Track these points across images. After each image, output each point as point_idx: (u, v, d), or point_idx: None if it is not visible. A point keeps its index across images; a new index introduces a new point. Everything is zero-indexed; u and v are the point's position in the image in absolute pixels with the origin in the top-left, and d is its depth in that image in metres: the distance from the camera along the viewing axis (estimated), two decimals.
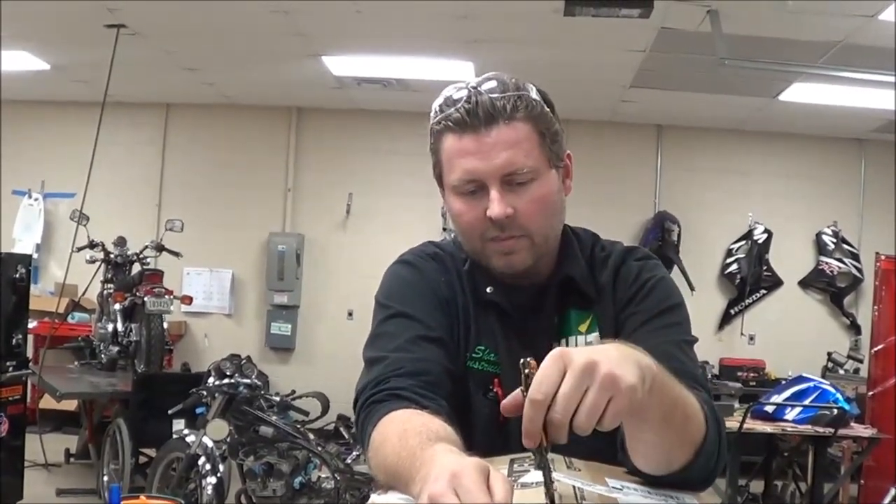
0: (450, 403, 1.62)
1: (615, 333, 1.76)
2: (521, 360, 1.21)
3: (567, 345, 1.77)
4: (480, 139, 1.66)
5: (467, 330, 1.79)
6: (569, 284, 1.81)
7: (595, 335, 1.79)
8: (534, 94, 1.71)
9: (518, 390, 1.20)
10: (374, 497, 1.16)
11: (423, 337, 1.71)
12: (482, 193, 1.69)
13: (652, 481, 1.46)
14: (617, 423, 1.20)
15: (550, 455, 1.42)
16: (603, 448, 1.57)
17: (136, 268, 7.90)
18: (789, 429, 5.91)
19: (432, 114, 1.73)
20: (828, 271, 9.68)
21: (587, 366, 1.18)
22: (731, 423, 5.69)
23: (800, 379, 6.22)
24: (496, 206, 1.66)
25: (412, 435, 1.36)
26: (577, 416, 1.17)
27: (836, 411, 5.78)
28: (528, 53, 7.22)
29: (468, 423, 1.68)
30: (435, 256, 1.87)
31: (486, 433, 1.58)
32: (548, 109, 1.73)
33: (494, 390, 1.75)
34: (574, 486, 1.15)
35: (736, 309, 9.80)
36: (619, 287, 1.81)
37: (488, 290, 1.79)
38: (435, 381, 1.63)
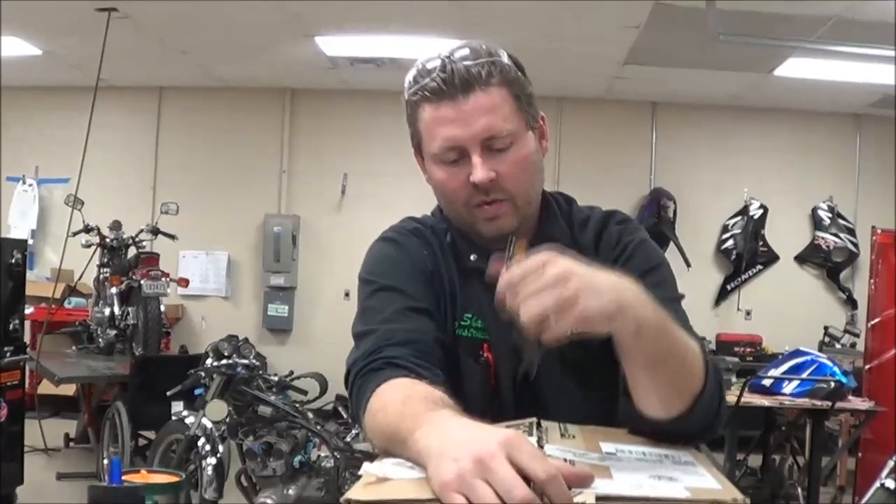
0: (442, 372, 1.63)
1: None
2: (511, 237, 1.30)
3: None
4: (458, 107, 1.68)
5: (454, 300, 1.80)
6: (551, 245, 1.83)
7: None
8: (505, 59, 1.73)
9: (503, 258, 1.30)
10: (366, 465, 1.15)
11: (411, 308, 1.71)
12: (463, 161, 1.71)
13: (651, 434, 1.48)
14: (555, 338, 1.30)
15: (545, 423, 1.43)
16: (597, 414, 1.63)
17: (132, 251, 7.91)
18: (787, 402, 5.93)
19: (406, 85, 1.75)
20: (824, 246, 9.69)
21: (560, 276, 1.29)
22: (729, 398, 5.69)
23: (797, 353, 6.22)
24: (479, 171, 1.68)
25: (417, 401, 1.36)
26: (525, 307, 1.28)
27: (833, 384, 5.78)
28: (523, 31, 7.20)
29: (460, 390, 1.69)
30: (415, 232, 1.88)
31: (479, 399, 1.59)
32: (520, 73, 1.75)
33: (485, 356, 1.77)
34: (565, 460, 1.16)
35: (732, 284, 9.81)
36: (602, 250, 1.83)
37: (472, 257, 1.81)
38: (427, 350, 1.64)
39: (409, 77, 1.75)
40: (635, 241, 1.84)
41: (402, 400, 1.40)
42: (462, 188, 1.72)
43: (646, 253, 1.83)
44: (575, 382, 1.79)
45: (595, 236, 1.85)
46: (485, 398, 1.68)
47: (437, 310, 1.77)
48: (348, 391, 1.67)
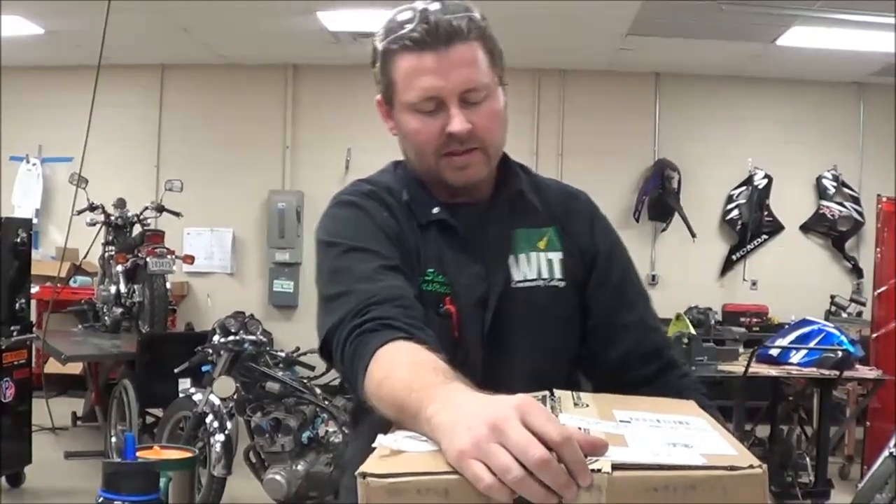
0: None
1: (585, 266, 1.87)
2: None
3: (528, 260, 1.84)
4: (440, 58, 1.71)
5: (417, 257, 1.79)
6: (516, 200, 1.87)
7: (558, 255, 1.86)
8: (478, 15, 1.76)
9: None
10: (380, 437, 1.14)
11: (384, 266, 1.69)
12: (439, 111, 1.74)
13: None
14: None
15: (558, 392, 1.42)
16: (564, 366, 1.83)
17: (137, 229, 7.90)
18: (794, 372, 5.92)
19: (380, 35, 1.79)
20: (829, 215, 9.68)
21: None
22: (737, 368, 5.72)
23: (804, 322, 6.22)
24: (457, 121, 1.72)
25: (425, 371, 1.32)
26: None
27: (840, 353, 5.78)
28: (526, 3, 7.15)
29: None
30: (371, 194, 1.88)
31: (442, 350, 1.52)
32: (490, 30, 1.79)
33: (445, 307, 1.77)
34: (580, 429, 1.15)
35: (738, 255, 9.79)
36: (575, 223, 1.90)
37: (434, 210, 1.83)
38: (413, 307, 1.61)
39: (381, 30, 1.79)
40: (613, 233, 1.95)
41: (408, 367, 1.36)
42: (435, 138, 1.75)
43: (624, 250, 1.94)
44: (545, 335, 1.82)
45: (564, 208, 1.91)
46: (448, 348, 1.59)
47: (406, 268, 1.75)
48: (336, 355, 1.61)
